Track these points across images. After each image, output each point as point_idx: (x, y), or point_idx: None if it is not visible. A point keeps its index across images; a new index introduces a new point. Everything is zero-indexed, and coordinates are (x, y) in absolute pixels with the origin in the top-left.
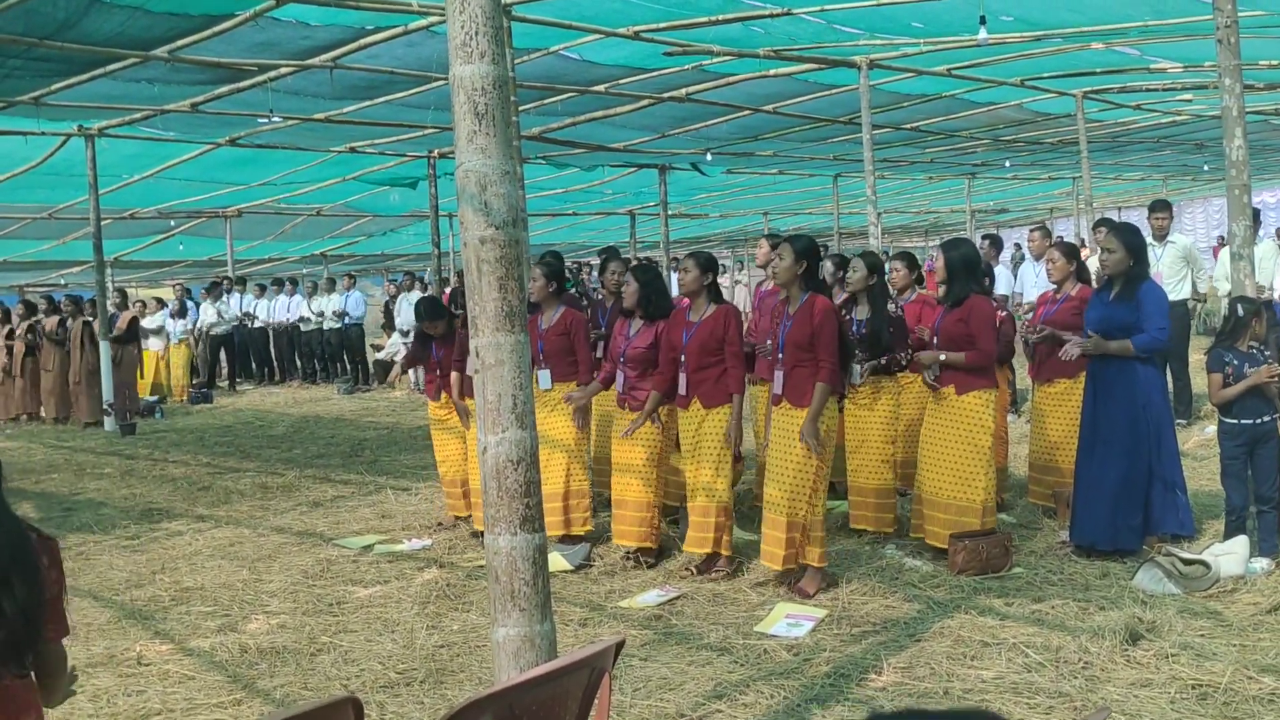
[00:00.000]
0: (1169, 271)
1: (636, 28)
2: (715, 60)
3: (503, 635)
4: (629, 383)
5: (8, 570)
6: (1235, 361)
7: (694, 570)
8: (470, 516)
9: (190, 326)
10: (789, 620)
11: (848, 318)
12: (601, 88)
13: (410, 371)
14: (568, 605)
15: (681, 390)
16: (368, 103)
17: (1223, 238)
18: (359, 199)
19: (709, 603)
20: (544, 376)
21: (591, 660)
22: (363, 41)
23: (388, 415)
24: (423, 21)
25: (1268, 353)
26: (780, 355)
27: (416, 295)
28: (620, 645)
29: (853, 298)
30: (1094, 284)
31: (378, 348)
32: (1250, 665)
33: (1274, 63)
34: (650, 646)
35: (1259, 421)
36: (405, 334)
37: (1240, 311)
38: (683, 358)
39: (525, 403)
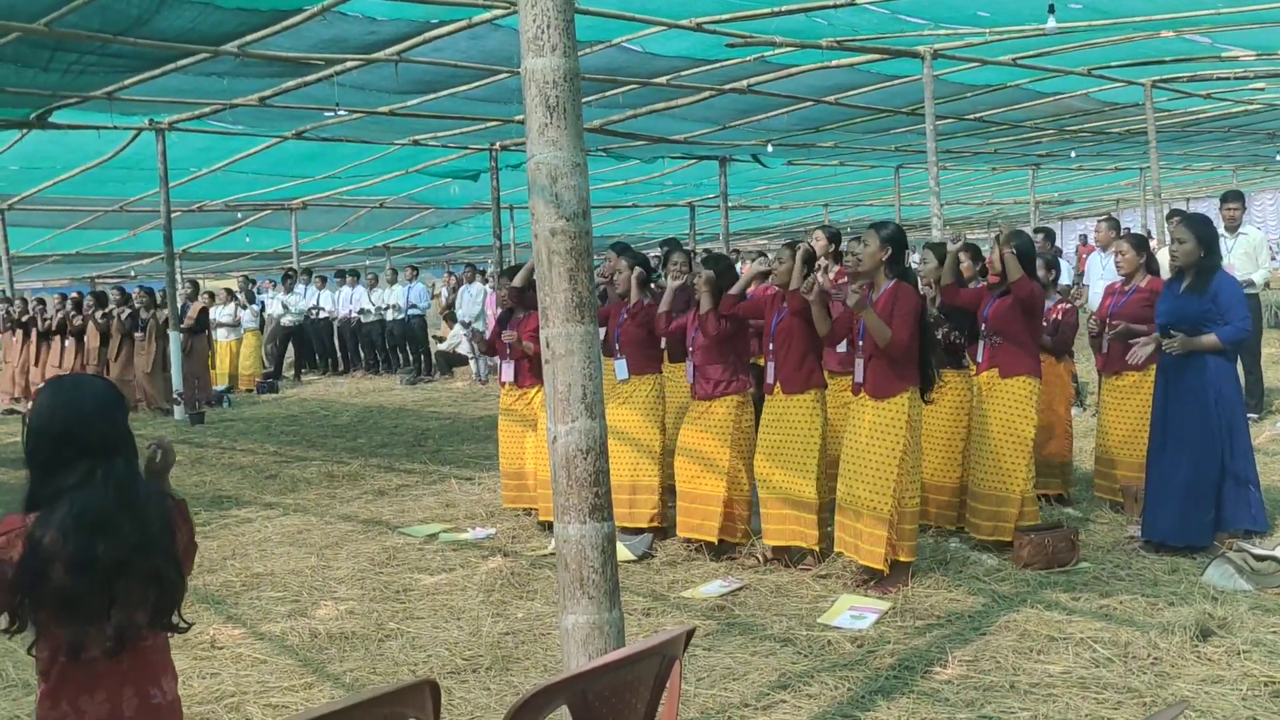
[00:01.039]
0: (1241, 263)
1: (699, 19)
2: (777, 51)
3: (571, 623)
4: (699, 371)
5: (163, 536)
6: None
7: (762, 559)
8: (528, 510)
9: (258, 317)
10: (852, 612)
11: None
12: (663, 80)
13: (472, 363)
14: (631, 595)
15: (772, 378)
16: (431, 96)
17: None
18: (421, 191)
19: (771, 594)
20: (620, 367)
21: (662, 648)
22: (427, 35)
23: (449, 406)
24: (486, 15)
25: None
26: (860, 343)
27: (478, 287)
28: (690, 634)
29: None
30: (1163, 276)
31: (439, 339)
32: None
33: None
34: (714, 637)
35: None
36: (466, 325)
37: None
38: (770, 345)
39: (595, 393)
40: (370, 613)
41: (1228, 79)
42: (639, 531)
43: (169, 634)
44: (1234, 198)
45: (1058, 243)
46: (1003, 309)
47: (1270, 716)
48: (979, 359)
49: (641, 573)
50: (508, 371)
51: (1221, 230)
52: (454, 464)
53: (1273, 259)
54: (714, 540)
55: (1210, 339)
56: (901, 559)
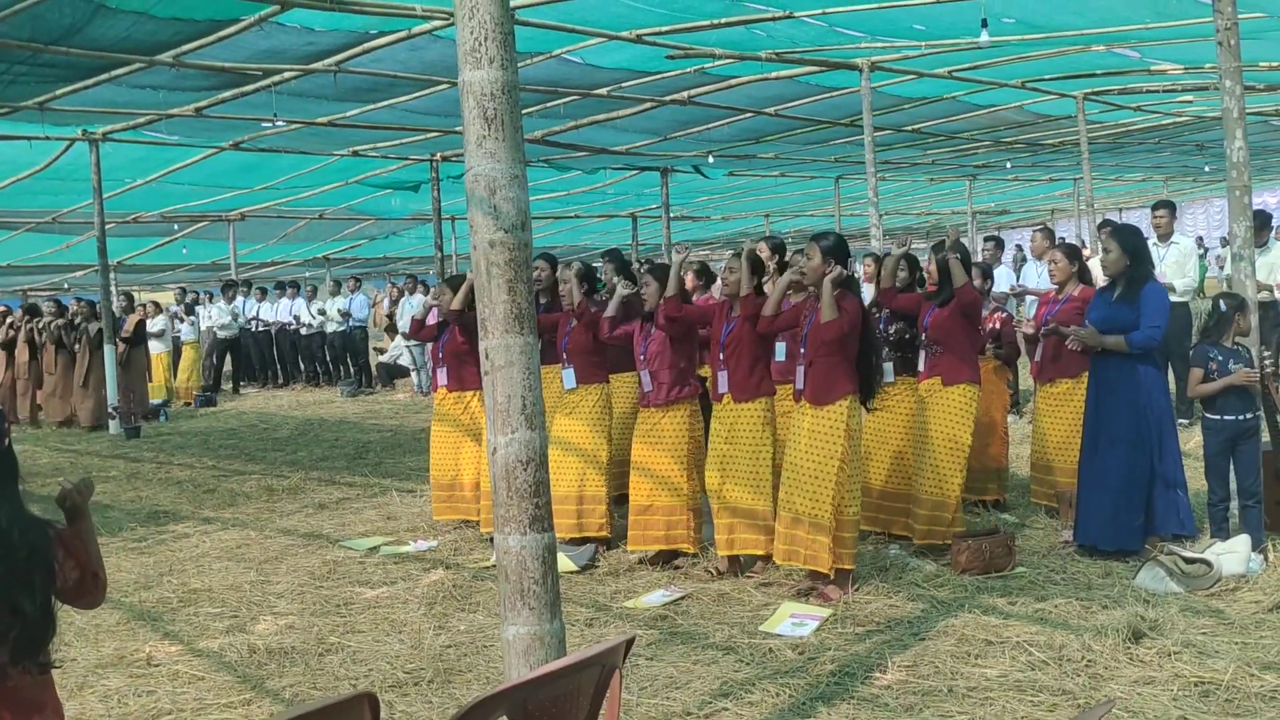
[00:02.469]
0: (1171, 272)
1: (639, 31)
2: (717, 63)
3: (513, 634)
4: (652, 378)
5: (30, 569)
6: (1220, 358)
7: (715, 572)
8: (466, 521)
9: (196, 328)
10: (794, 620)
11: (876, 316)
12: (604, 91)
13: (414, 374)
14: (573, 605)
15: (723, 387)
16: (371, 106)
17: (1224, 239)
18: (362, 202)
19: (714, 603)
20: (568, 376)
21: (602, 657)
22: (366, 45)
23: (391, 418)
24: (426, 25)
25: (1266, 353)
26: (803, 351)
27: (419, 299)
28: (630, 643)
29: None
30: (1096, 285)
31: (381, 350)
32: (1252, 662)
33: (1274, 64)
34: (656, 646)
35: (1240, 418)
36: (407, 337)
37: (1223, 308)
38: (720, 355)
39: (535, 404)
40: (310, 627)
41: (1157, 92)
42: (584, 541)
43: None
44: (1163, 206)
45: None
46: (943, 318)
47: (1200, 716)
48: (920, 368)
49: (585, 583)
50: (443, 376)
51: (1154, 239)
52: (395, 476)
53: (1221, 267)
54: (677, 548)
55: (1116, 339)
56: (845, 566)
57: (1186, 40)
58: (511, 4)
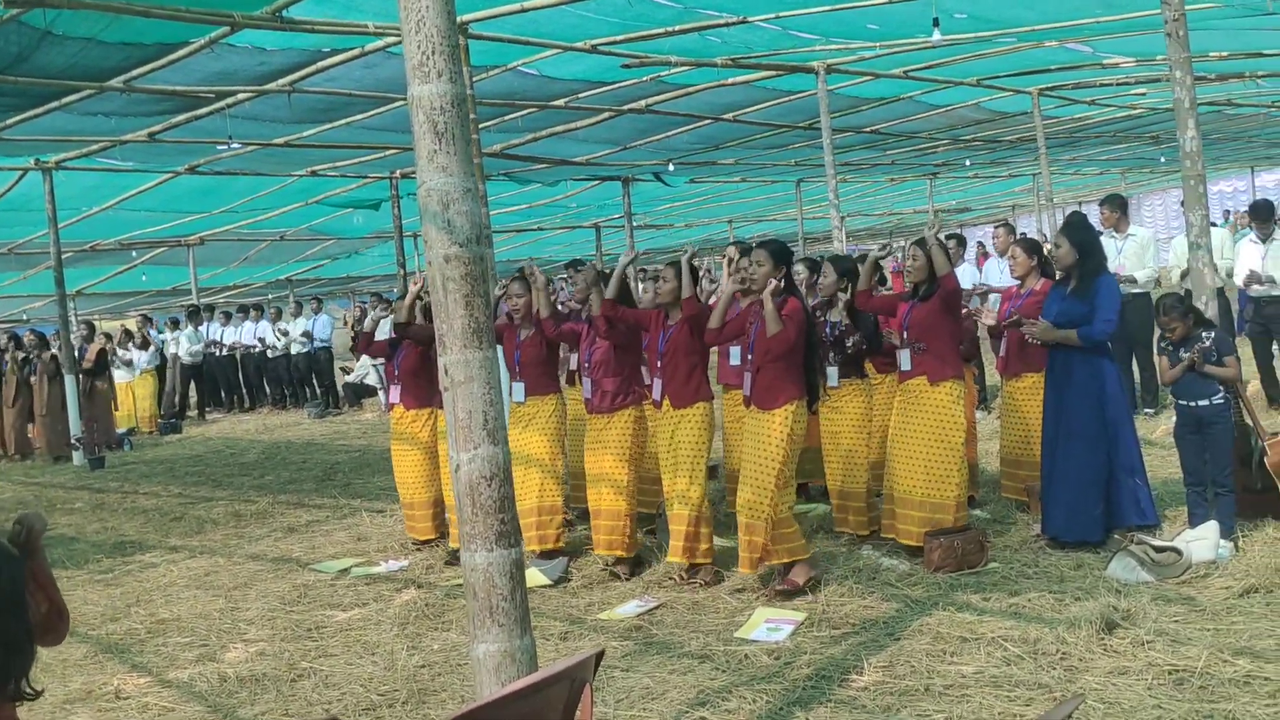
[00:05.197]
0: (1130, 263)
1: (594, 41)
2: (674, 71)
3: (483, 651)
4: (596, 385)
5: (10, 602)
6: (1170, 346)
7: (679, 579)
8: (433, 540)
9: (156, 356)
10: (769, 625)
11: (821, 320)
12: (561, 102)
13: (381, 393)
14: (547, 619)
15: (656, 394)
16: (327, 125)
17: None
18: (322, 222)
19: (688, 611)
20: (517, 389)
21: (571, 672)
22: (320, 64)
23: (359, 438)
24: (379, 43)
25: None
26: (750, 357)
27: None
28: (600, 656)
29: (828, 301)
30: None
31: (347, 370)
32: (1224, 649)
33: (1224, 54)
34: (631, 657)
35: (1197, 404)
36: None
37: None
38: (658, 362)
39: (497, 418)
40: (281, 653)
41: (1110, 85)
42: (553, 555)
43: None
44: (1106, 202)
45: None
46: (924, 315)
47: (1174, 704)
48: (905, 367)
49: (558, 597)
50: (396, 394)
51: (1111, 231)
52: (365, 497)
53: (1184, 267)
54: (623, 554)
55: (1068, 333)
56: (785, 560)
57: (1137, 33)
58: (464, 18)
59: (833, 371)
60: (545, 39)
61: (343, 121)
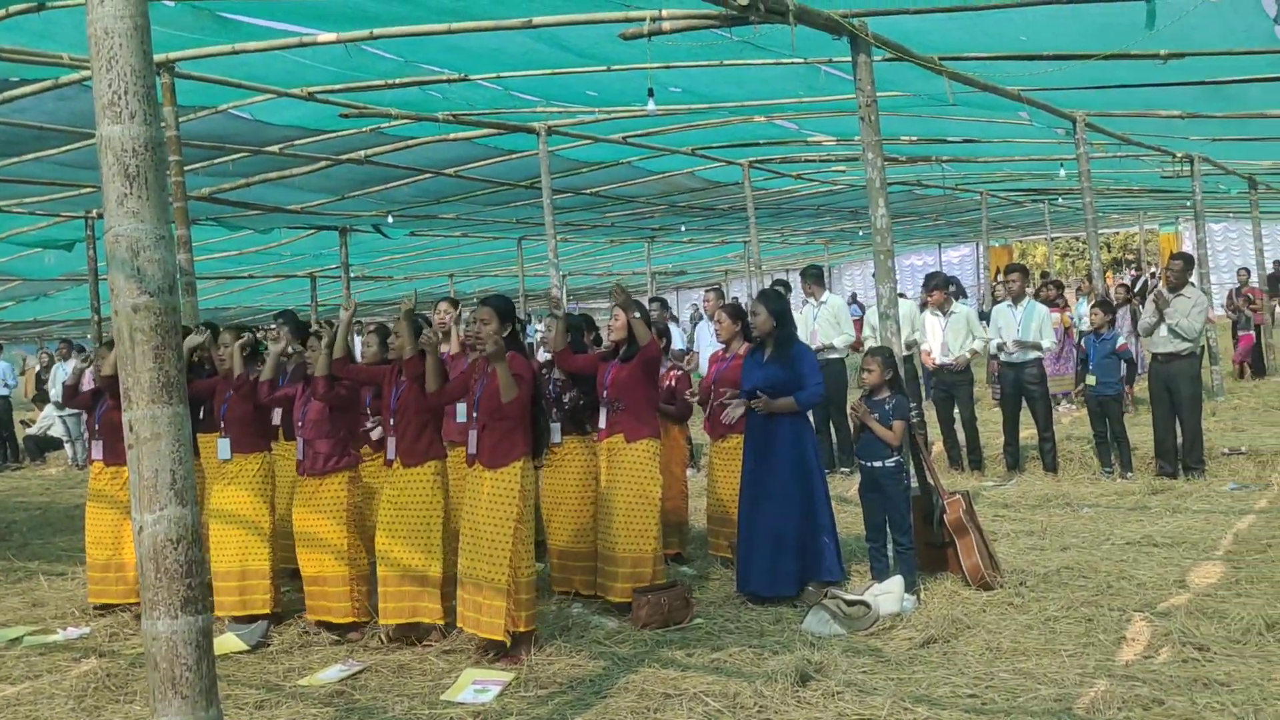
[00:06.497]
0: (824, 330)
1: (310, 89)
2: (394, 123)
3: None
4: (309, 445)
5: None
6: (867, 407)
7: (385, 639)
8: (126, 604)
9: None
10: (476, 686)
11: (546, 376)
12: (275, 148)
13: (68, 446)
14: (242, 688)
15: (392, 454)
16: (15, 160)
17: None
18: (9, 261)
19: (394, 674)
20: (223, 446)
21: None
22: (8, 94)
23: (40, 494)
24: (75, 75)
25: (913, 405)
26: (474, 415)
27: (73, 364)
28: None
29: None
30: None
31: (28, 423)
32: (906, 697)
33: (914, 138)
34: None
35: (873, 465)
36: (60, 406)
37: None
38: (390, 420)
39: (185, 478)
40: None
41: (814, 161)
42: (253, 619)
43: None
44: (804, 274)
45: (674, 311)
46: (623, 376)
47: None
48: (601, 425)
49: (255, 663)
50: (98, 449)
51: (806, 298)
52: (44, 558)
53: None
54: (347, 620)
55: (788, 401)
56: (522, 629)
57: (836, 114)
58: (170, 55)
59: (555, 428)
60: (258, 83)
61: (32, 156)
